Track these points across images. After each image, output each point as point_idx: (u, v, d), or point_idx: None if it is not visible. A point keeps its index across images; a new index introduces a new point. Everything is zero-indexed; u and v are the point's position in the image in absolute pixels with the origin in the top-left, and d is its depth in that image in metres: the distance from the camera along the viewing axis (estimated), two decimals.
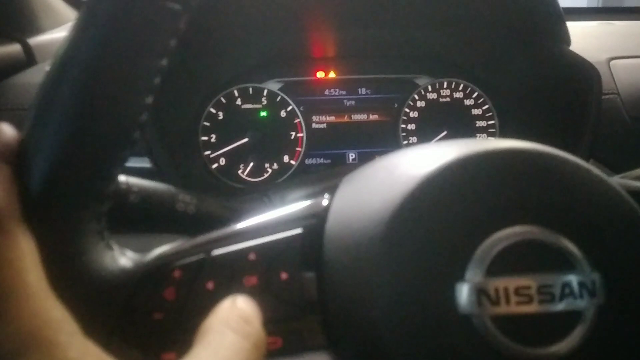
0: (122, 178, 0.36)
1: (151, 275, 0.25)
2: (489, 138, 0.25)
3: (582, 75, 0.58)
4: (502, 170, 0.25)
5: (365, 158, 0.75)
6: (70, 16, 0.78)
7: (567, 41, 0.60)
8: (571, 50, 0.60)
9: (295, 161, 0.73)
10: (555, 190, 0.25)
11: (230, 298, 0.23)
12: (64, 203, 0.23)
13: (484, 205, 0.24)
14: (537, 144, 0.27)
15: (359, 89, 0.75)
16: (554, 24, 0.59)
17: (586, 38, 0.73)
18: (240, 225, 0.27)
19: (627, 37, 0.77)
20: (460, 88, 0.75)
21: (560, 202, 0.24)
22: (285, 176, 0.72)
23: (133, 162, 0.54)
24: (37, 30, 0.69)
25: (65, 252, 0.23)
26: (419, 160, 0.26)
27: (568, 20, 0.83)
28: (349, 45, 0.74)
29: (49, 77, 0.23)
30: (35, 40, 0.66)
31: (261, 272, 0.25)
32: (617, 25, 0.86)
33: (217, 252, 0.26)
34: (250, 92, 0.72)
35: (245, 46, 0.71)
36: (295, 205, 0.29)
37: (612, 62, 0.65)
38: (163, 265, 0.25)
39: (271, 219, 0.28)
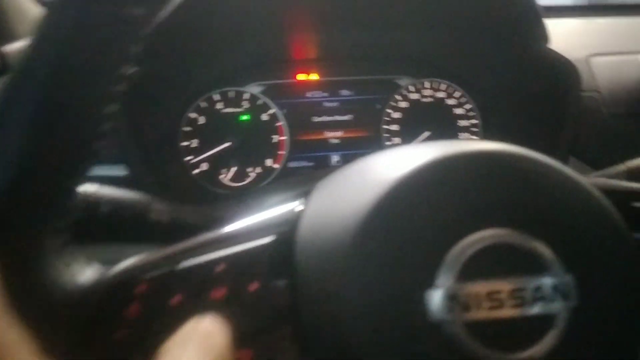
0: (92, 188, 0.35)
1: (114, 291, 0.24)
2: (460, 140, 0.25)
3: (561, 73, 0.58)
4: (472, 173, 0.24)
5: (349, 160, 0.74)
6: None
7: (546, 39, 0.60)
8: (550, 48, 0.60)
9: (279, 165, 0.72)
10: (527, 192, 0.24)
11: (195, 318, 0.22)
12: (21, 219, 0.22)
13: (454, 209, 0.24)
14: (507, 144, 0.26)
15: (341, 91, 0.75)
16: (532, 22, 0.59)
17: (567, 35, 0.73)
18: (209, 235, 0.27)
19: (608, 34, 0.77)
20: (442, 88, 0.75)
21: (533, 204, 0.24)
22: (269, 180, 0.72)
23: (109, 170, 0.53)
24: (11, 37, 0.67)
25: (24, 270, 0.22)
26: (390, 165, 0.26)
27: (551, 18, 0.83)
28: (330, 47, 0.73)
29: (5, 90, 0.23)
30: (9, 48, 0.65)
31: (230, 284, 0.25)
32: (599, 23, 0.86)
33: (183, 264, 0.25)
34: (231, 95, 0.72)
35: (225, 49, 0.70)
36: (267, 213, 0.28)
37: (592, 59, 0.66)
38: (126, 280, 0.24)
39: (242, 227, 0.27)
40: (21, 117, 0.22)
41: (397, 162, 0.26)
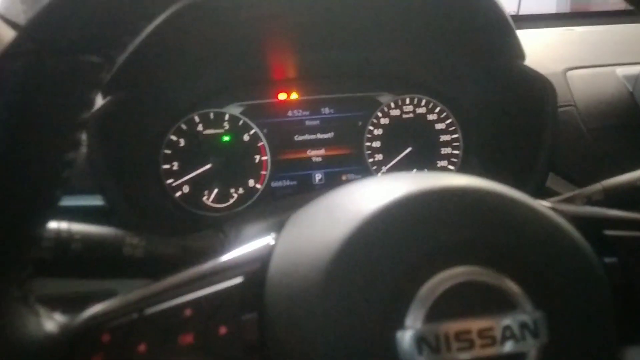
0: (63, 225, 0.34)
1: (78, 341, 0.23)
2: (430, 174, 0.25)
3: (536, 89, 0.58)
4: (440, 210, 0.24)
5: (331, 178, 0.74)
6: None
7: (521, 56, 0.61)
8: (525, 65, 0.60)
9: (261, 185, 0.72)
10: (495, 229, 0.24)
11: None
12: None
13: (422, 247, 0.23)
14: (476, 179, 0.26)
15: (322, 109, 0.75)
16: (505, 38, 0.60)
17: (544, 48, 0.74)
18: (176, 277, 0.26)
19: (584, 45, 0.78)
20: (423, 103, 0.75)
21: (501, 241, 0.24)
22: (252, 200, 0.71)
23: (84, 201, 0.52)
24: None
25: None
26: (358, 201, 0.26)
27: (530, 28, 0.84)
28: (310, 66, 0.74)
29: None
30: None
31: (198, 329, 0.24)
32: (576, 33, 0.87)
33: (150, 310, 0.24)
34: (212, 117, 0.71)
35: (204, 70, 0.70)
36: (237, 251, 0.28)
37: (569, 73, 0.66)
38: (91, 329, 0.24)
39: (209, 267, 0.27)
40: None
41: (364, 199, 0.26)
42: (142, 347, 0.23)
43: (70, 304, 0.26)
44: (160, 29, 0.56)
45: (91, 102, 0.24)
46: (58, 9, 0.22)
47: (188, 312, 0.25)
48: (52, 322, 0.24)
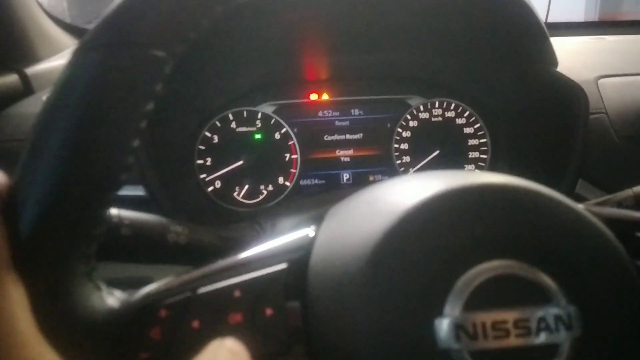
0: (114, 211, 0.36)
1: (138, 315, 0.25)
2: (467, 171, 0.26)
3: (568, 96, 0.59)
4: (479, 206, 0.25)
5: (359, 178, 0.75)
6: (67, 43, 0.79)
7: (554, 62, 0.61)
8: (558, 71, 0.61)
9: (290, 183, 0.74)
10: (531, 224, 0.25)
11: (218, 339, 0.24)
12: (53, 247, 0.23)
13: (462, 240, 0.25)
14: (513, 177, 0.27)
15: (352, 110, 0.76)
16: (539, 45, 0.60)
17: (575, 56, 0.74)
18: (225, 261, 0.28)
19: (616, 53, 0.78)
20: (452, 107, 0.76)
21: (537, 236, 0.25)
22: (280, 197, 0.73)
23: (127, 191, 0.54)
24: (35, 59, 0.70)
25: (54, 295, 0.23)
26: (400, 195, 0.27)
27: (559, 36, 0.84)
28: (342, 67, 0.75)
29: (37, 124, 0.24)
30: (32, 70, 0.67)
31: (246, 309, 0.26)
32: (607, 41, 0.87)
33: (202, 290, 0.26)
34: (245, 115, 0.73)
35: (239, 70, 0.72)
36: (280, 239, 0.30)
37: (600, 81, 0.66)
38: (149, 304, 0.26)
39: (256, 254, 0.28)
40: (54, 151, 0.24)
41: (405, 192, 0.27)
42: (195, 323, 0.25)
43: (119, 287, 0.28)
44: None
45: (156, 95, 0.26)
46: (132, 6, 0.24)
47: (237, 293, 0.26)
48: (113, 298, 0.26)
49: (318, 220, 0.30)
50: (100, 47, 0.24)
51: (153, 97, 0.25)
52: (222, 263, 0.28)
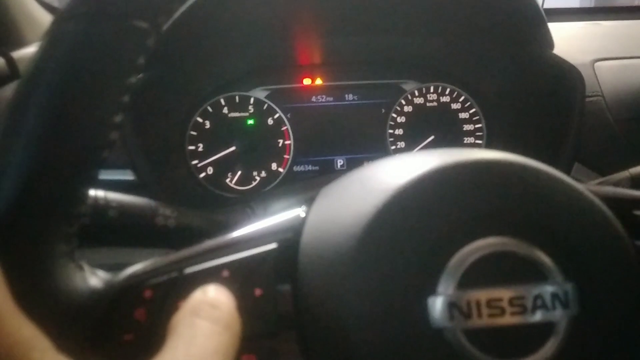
0: (100, 193, 0.35)
1: (122, 296, 0.24)
2: (461, 148, 0.25)
3: (565, 78, 0.58)
4: (474, 182, 0.25)
5: (353, 164, 0.75)
6: None
7: (550, 45, 0.61)
8: (554, 54, 0.60)
9: (284, 169, 0.73)
10: (527, 200, 0.25)
11: (200, 288, 0.23)
12: (32, 225, 0.23)
13: (456, 218, 0.24)
14: (509, 153, 0.27)
15: (346, 95, 0.75)
16: (536, 28, 0.60)
17: (571, 40, 0.73)
18: (214, 241, 0.27)
19: (612, 38, 0.77)
20: (447, 92, 0.75)
21: (533, 212, 0.24)
22: (274, 184, 0.72)
23: (116, 175, 0.53)
24: (21, 42, 0.68)
25: (34, 274, 0.23)
26: (392, 173, 0.26)
27: (555, 21, 0.83)
28: (335, 52, 0.74)
29: (14, 99, 0.23)
30: (18, 53, 0.66)
31: (235, 289, 0.25)
32: (603, 26, 0.86)
33: (189, 270, 0.25)
34: (237, 100, 0.72)
35: (231, 54, 0.71)
36: (270, 219, 0.29)
37: (597, 64, 0.66)
38: (134, 285, 0.25)
39: (245, 234, 0.28)
40: (31, 125, 0.23)
41: (398, 170, 0.26)
42: (182, 304, 0.24)
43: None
44: (191, 12, 0.57)
45: (139, 68, 0.25)
46: None
47: (225, 273, 0.25)
48: (96, 278, 0.25)
49: (308, 201, 0.30)
50: (79, 15, 0.23)
51: (136, 70, 0.24)
52: (210, 243, 0.27)
